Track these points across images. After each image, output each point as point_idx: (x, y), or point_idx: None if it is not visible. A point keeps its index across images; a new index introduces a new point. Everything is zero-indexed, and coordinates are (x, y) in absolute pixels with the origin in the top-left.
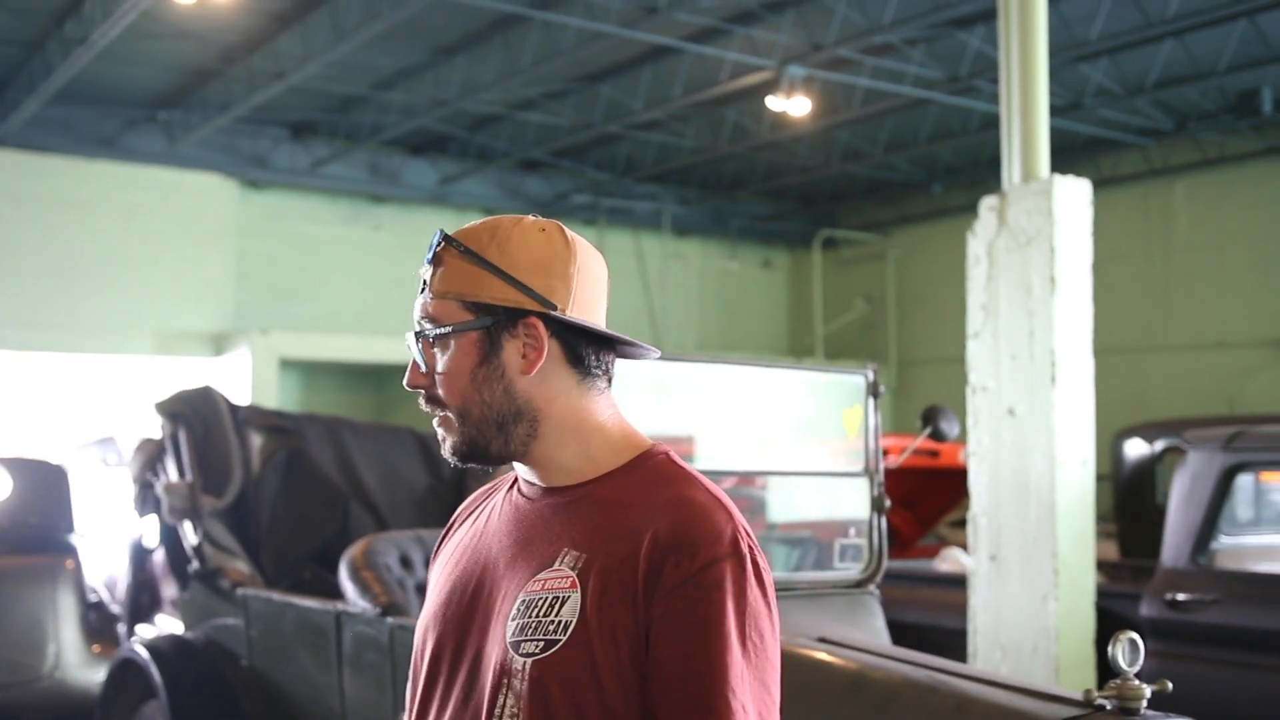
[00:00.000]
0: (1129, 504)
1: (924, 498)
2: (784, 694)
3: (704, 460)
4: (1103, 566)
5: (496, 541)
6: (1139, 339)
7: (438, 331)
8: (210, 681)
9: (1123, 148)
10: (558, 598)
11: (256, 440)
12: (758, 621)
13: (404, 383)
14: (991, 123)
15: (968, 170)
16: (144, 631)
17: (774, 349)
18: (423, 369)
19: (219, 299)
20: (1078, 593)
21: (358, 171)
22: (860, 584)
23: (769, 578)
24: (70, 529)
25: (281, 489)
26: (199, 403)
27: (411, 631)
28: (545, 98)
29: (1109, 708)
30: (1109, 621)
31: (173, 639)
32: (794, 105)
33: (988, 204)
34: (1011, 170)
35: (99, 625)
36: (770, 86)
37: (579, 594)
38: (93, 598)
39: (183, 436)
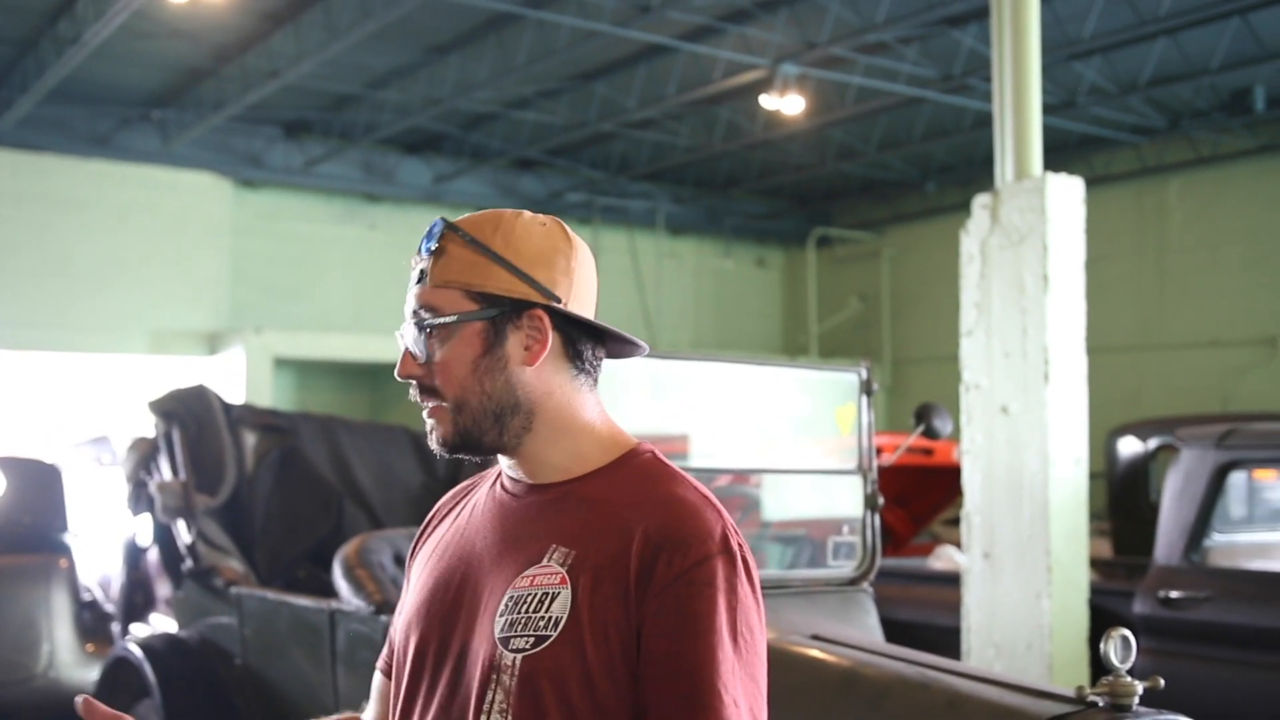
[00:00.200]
0: (1122, 502)
1: (918, 495)
2: (777, 691)
3: (698, 458)
4: (1096, 564)
5: (480, 538)
6: (1133, 337)
7: (440, 320)
8: (204, 680)
9: (1116, 146)
10: (547, 594)
11: (250, 439)
12: (748, 617)
13: (396, 372)
14: (985, 121)
15: (961, 169)
16: (138, 630)
17: (768, 347)
18: (420, 358)
19: (213, 298)
20: (1071, 590)
21: (352, 170)
22: (854, 582)
23: (757, 574)
24: (64, 528)
25: (275, 487)
26: (193, 401)
27: None
28: (539, 96)
29: (1101, 704)
30: (1102, 619)
31: (167, 638)
32: (788, 104)
33: (981, 202)
34: (1004, 168)
35: (93, 624)
36: (764, 85)
37: (569, 590)
38: (86, 597)
39: (176, 435)
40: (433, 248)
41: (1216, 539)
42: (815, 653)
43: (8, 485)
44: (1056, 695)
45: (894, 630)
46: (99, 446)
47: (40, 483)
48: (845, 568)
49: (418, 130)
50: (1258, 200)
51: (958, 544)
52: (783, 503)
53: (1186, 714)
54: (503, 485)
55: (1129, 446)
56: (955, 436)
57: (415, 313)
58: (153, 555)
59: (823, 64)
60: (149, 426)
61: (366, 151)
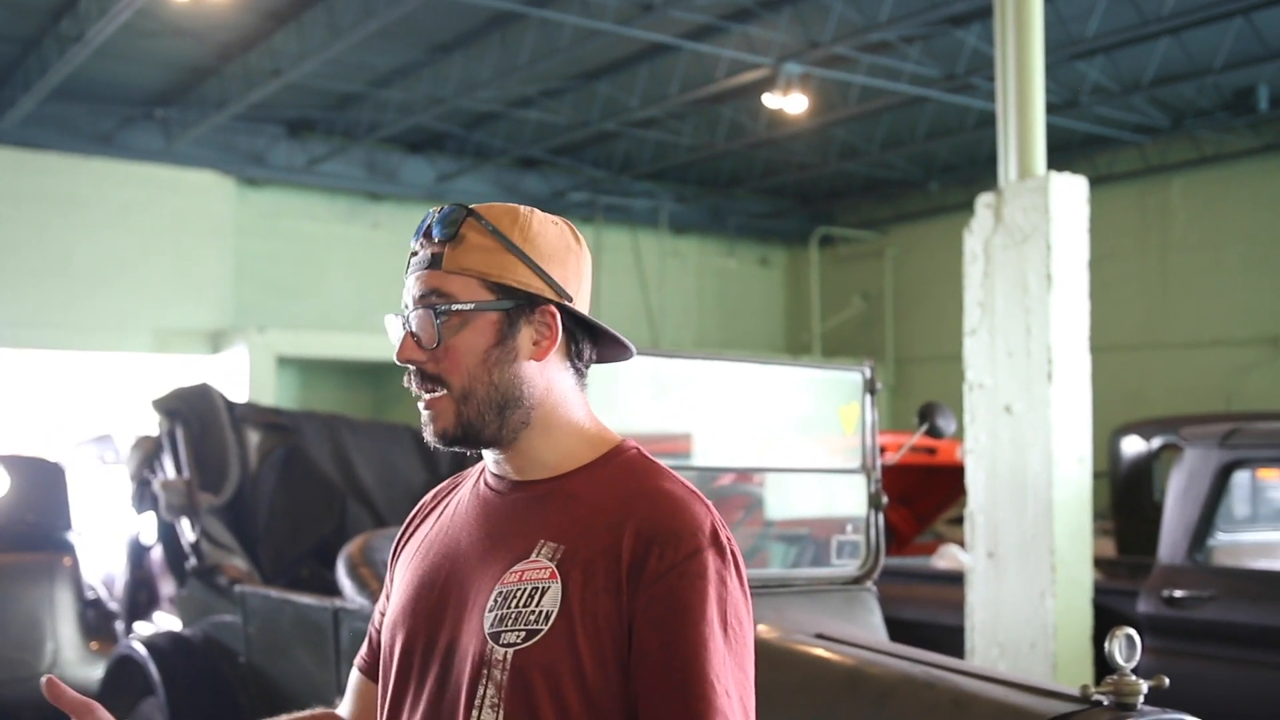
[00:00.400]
0: (1126, 501)
1: (921, 495)
2: (782, 689)
3: (702, 457)
4: (1100, 563)
5: (465, 535)
6: (1136, 336)
7: (458, 307)
8: (208, 678)
9: (1119, 145)
10: (537, 588)
11: (254, 437)
12: (737, 609)
13: (397, 356)
14: (988, 120)
15: (964, 168)
16: (142, 629)
17: (771, 346)
18: (429, 344)
19: (216, 297)
20: (1075, 589)
21: (355, 169)
22: (858, 580)
23: (744, 567)
24: (68, 526)
25: (279, 486)
26: (196, 400)
27: None
28: (542, 95)
29: (1106, 703)
30: (1106, 618)
31: (171, 636)
32: (790, 103)
33: (984, 201)
34: (1008, 167)
35: (97, 622)
36: (767, 84)
37: (559, 585)
38: (90, 595)
39: (180, 434)
40: (450, 233)
41: (1220, 538)
42: (820, 651)
43: (11, 484)
44: (1062, 694)
45: (897, 629)
46: (102, 445)
47: (44, 481)
48: (849, 566)
49: (421, 129)
50: (1261, 200)
51: (961, 543)
52: (786, 502)
53: (1190, 713)
54: (486, 483)
55: (1132, 446)
56: (959, 435)
57: (424, 296)
58: (156, 554)
59: (826, 63)
60: (153, 425)
61: (369, 150)
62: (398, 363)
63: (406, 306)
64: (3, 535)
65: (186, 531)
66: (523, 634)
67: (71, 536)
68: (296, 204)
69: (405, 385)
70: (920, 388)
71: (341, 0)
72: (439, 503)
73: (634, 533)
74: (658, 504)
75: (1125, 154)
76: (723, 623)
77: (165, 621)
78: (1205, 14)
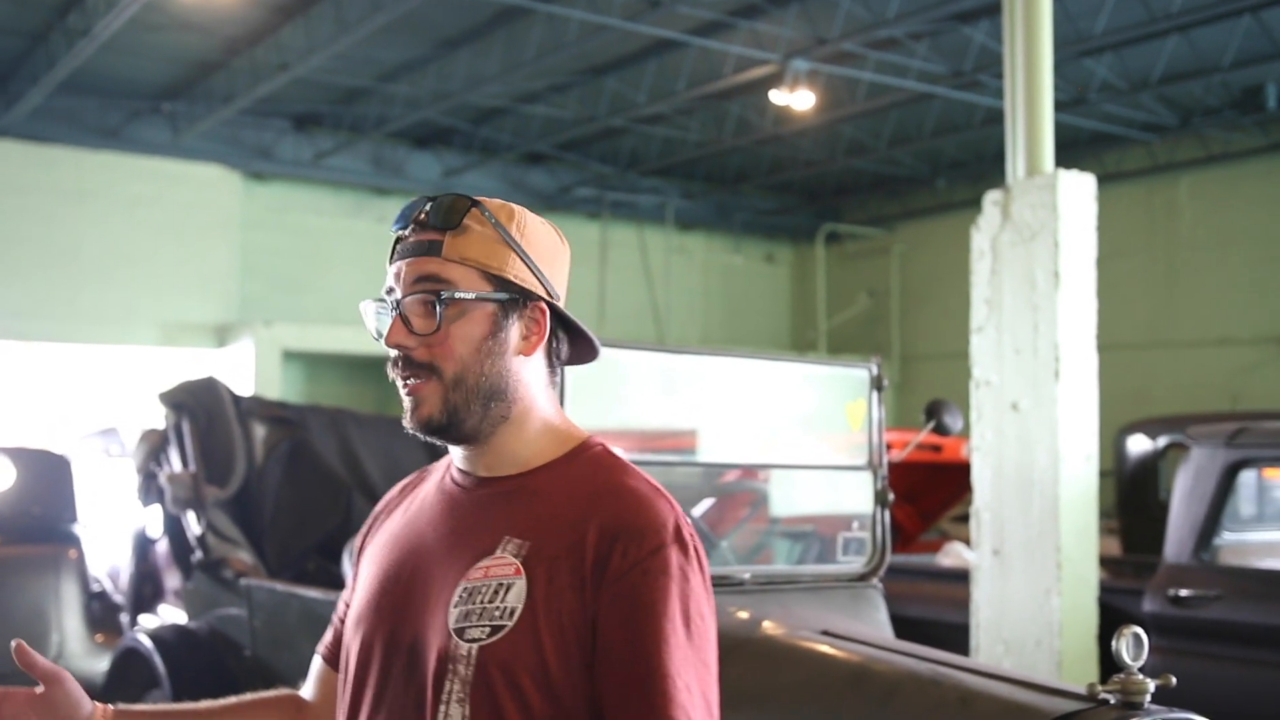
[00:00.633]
0: (1131, 500)
1: (926, 492)
2: (787, 686)
3: (707, 453)
4: (1105, 562)
5: (431, 530)
6: (1142, 335)
7: (460, 295)
8: (213, 671)
9: (1127, 143)
10: (502, 584)
11: (260, 431)
12: (699, 604)
13: (387, 340)
14: (995, 117)
15: (972, 165)
16: (147, 621)
17: (777, 343)
18: (425, 330)
19: (222, 290)
20: (1081, 587)
21: (361, 164)
22: (863, 577)
23: (706, 562)
24: (73, 519)
25: (285, 480)
26: (202, 393)
27: None
28: (549, 91)
29: (1113, 702)
30: (1111, 617)
31: (176, 629)
32: (798, 99)
33: (992, 198)
34: (1016, 165)
35: (102, 615)
36: (774, 80)
37: (524, 581)
38: (96, 588)
39: (186, 427)
40: (455, 221)
41: (1226, 537)
42: (825, 648)
43: (17, 476)
44: (1068, 692)
45: (902, 627)
46: (108, 438)
47: (50, 474)
48: (855, 564)
49: (427, 124)
50: (1268, 198)
51: (966, 541)
52: (791, 498)
53: (1196, 713)
54: (452, 478)
55: (1138, 444)
56: (965, 433)
57: (422, 281)
58: (162, 547)
59: (833, 59)
60: (159, 418)
61: (376, 145)
62: (388, 347)
63: (392, 291)
64: (8, 527)
65: (192, 525)
66: (488, 629)
67: (77, 529)
68: (303, 198)
69: (390, 370)
70: (926, 385)
71: None
72: (404, 498)
73: (598, 529)
74: (622, 500)
75: (1133, 152)
76: (685, 619)
77: (170, 614)
78: (1214, 12)
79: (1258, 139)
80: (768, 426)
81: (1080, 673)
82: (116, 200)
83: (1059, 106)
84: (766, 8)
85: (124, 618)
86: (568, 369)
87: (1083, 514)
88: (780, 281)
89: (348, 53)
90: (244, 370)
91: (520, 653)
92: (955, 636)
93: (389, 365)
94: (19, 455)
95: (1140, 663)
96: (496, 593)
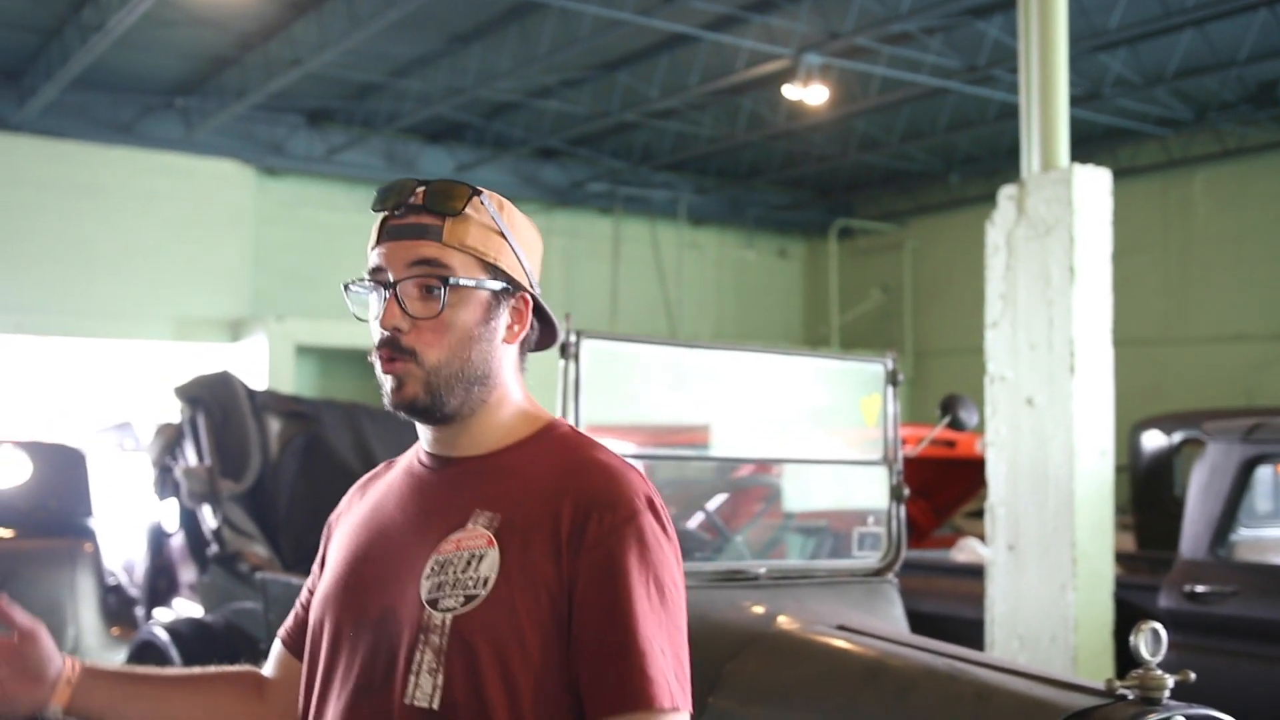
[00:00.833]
0: (1146, 496)
1: (940, 488)
2: (803, 680)
3: (720, 448)
4: (1120, 558)
5: (399, 511)
6: (1156, 331)
7: (464, 281)
8: (229, 664)
9: (1141, 138)
10: (475, 555)
11: (274, 425)
12: (671, 571)
13: (384, 321)
14: (1009, 112)
15: (985, 160)
16: (161, 615)
17: (789, 338)
18: (424, 314)
19: (235, 285)
20: (1096, 583)
21: (374, 159)
22: (879, 573)
23: (674, 531)
24: (89, 513)
25: (299, 474)
26: (218, 388)
27: None
28: (562, 85)
29: (1131, 697)
30: (1126, 613)
31: (192, 622)
32: (811, 94)
33: (1007, 193)
34: (1031, 159)
35: (118, 608)
36: (787, 75)
37: (497, 551)
38: (111, 581)
39: (201, 421)
40: (457, 208)
41: (1243, 533)
42: (841, 643)
43: (33, 470)
44: (1086, 688)
45: (916, 622)
46: (122, 432)
47: (65, 468)
48: (870, 559)
49: (440, 119)
50: None
51: (980, 536)
52: (803, 493)
53: (1212, 708)
54: (421, 461)
55: (1153, 440)
56: (979, 428)
57: (420, 265)
58: (176, 540)
59: (846, 54)
60: (174, 412)
61: (388, 140)
62: (382, 329)
63: (381, 271)
64: (25, 521)
65: (208, 518)
66: (462, 599)
67: (92, 523)
68: (315, 193)
69: (374, 352)
70: (939, 381)
71: None
72: (370, 486)
73: (573, 501)
74: (594, 473)
75: (1147, 147)
76: (658, 585)
77: (184, 608)
78: (1229, 6)
79: (1273, 134)
80: (781, 421)
81: (1095, 668)
82: (130, 195)
83: (1073, 101)
84: (780, 2)
85: (139, 611)
86: (589, 365)
87: (1098, 509)
88: (793, 277)
89: (360, 48)
90: (257, 365)
91: (495, 620)
92: (969, 632)
93: (376, 345)
94: (35, 449)
95: (1159, 658)
96: (469, 563)
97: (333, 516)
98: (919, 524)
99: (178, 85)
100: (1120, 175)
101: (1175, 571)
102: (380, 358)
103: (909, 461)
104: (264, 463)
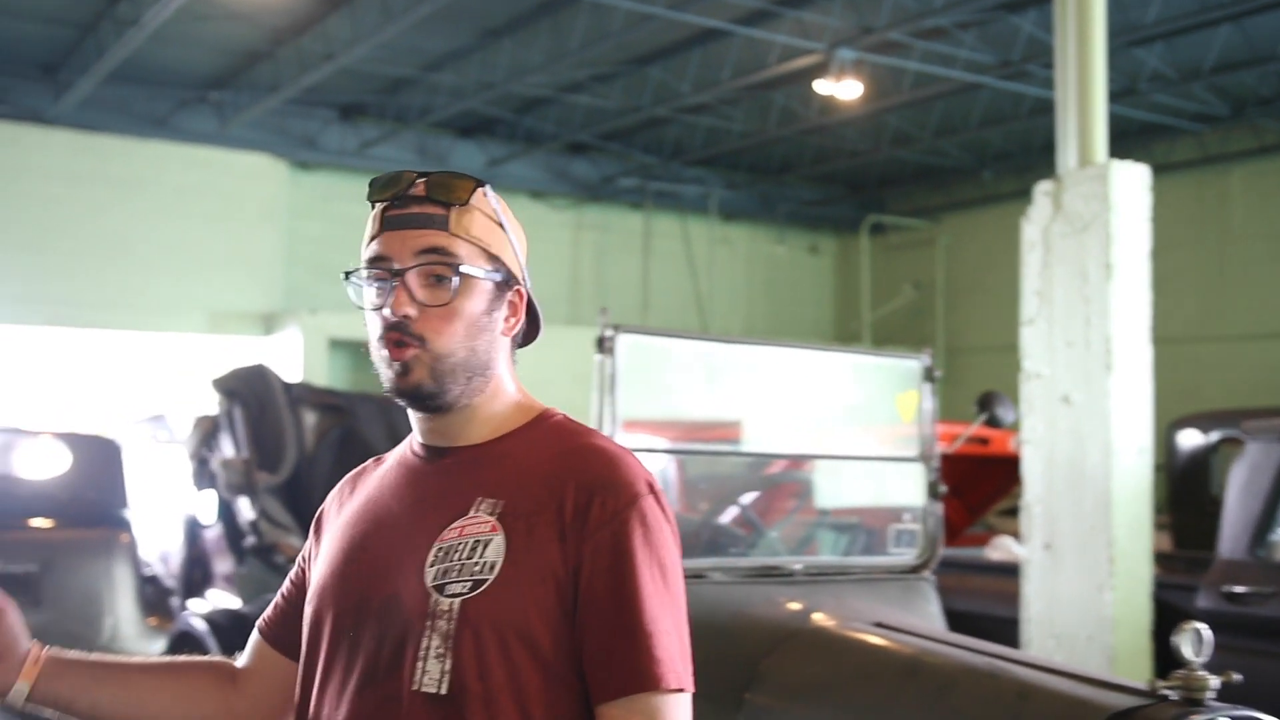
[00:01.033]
0: (1183, 495)
1: (973, 485)
2: (841, 677)
3: (752, 444)
4: (1157, 558)
5: (396, 501)
6: (1193, 329)
7: (471, 270)
8: None
9: (1178, 134)
10: (479, 541)
11: (310, 418)
12: (672, 552)
13: (395, 309)
14: (1043, 108)
15: (1019, 156)
16: (197, 605)
17: (820, 334)
18: (437, 301)
19: (268, 279)
20: (1134, 582)
21: (406, 153)
22: (916, 570)
23: (673, 514)
24: (125, 504)
25: (335, 466)
26: (254, 380)
27: None
28: (593, 80)
29: (1174, 698)
30: (1164, 613)
31: (229, 613)
32: (843, 89)
33: (1043, 189)
34: (1067, 155)
35: (154, 599)
36: (819, 70)
37: (502, 536)
38: (147, 571)
39: (238, 413)
40: (464, 199)
41: None
42: (879, 640)
43: (72, 461)
44: (1128, 688)
45: (950, 620)
46: (156, 424)
47: (102, 459)
48: (906, 556)
49: (471, 114)
50: None
51: (1014, 534)
52: (834, 490)
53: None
54: (414, 452)
55: (1190, 439)
56: (1013, 426)
57: (427, 253)
58: (211, 531)
59: (879, 49)
60: (210, 404)
61: (420, 134)
62: (393, 316)
63: (384, 260)
64: (64, 511)
65: (245, 510)
66: (469, 584)
67: (128, 514)
68: (348, 187)
69: (377, 340)
70: (971, 378)
71: None
72: (360, 479)
73: (576, 485)
74: (595, 458)
75: (1184, 143)
76: (662, 566)
77: (220, 599)
78: (1267, 0)
79: None
80: (814, 417)
81: (1133, 669)
82: (164, 189)
83: (1109, 97)
84: None
85: (174, 602)
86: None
87: (1136, 508)
88: (824, 273)
89: (393, 42)
90: (291, 358)
91: (502, 604)
92: (1003, 630)
93: (380, 335)
94: (73, 441)
95: (1203, 659)
96: (474, 549)
97: (321, 512)
98: (951, 522)
99: (212, 79)
100: (1155, 171)
101: (1214, 572)
102: (388, 342)
103: (943, 458)
104: (300, 455)
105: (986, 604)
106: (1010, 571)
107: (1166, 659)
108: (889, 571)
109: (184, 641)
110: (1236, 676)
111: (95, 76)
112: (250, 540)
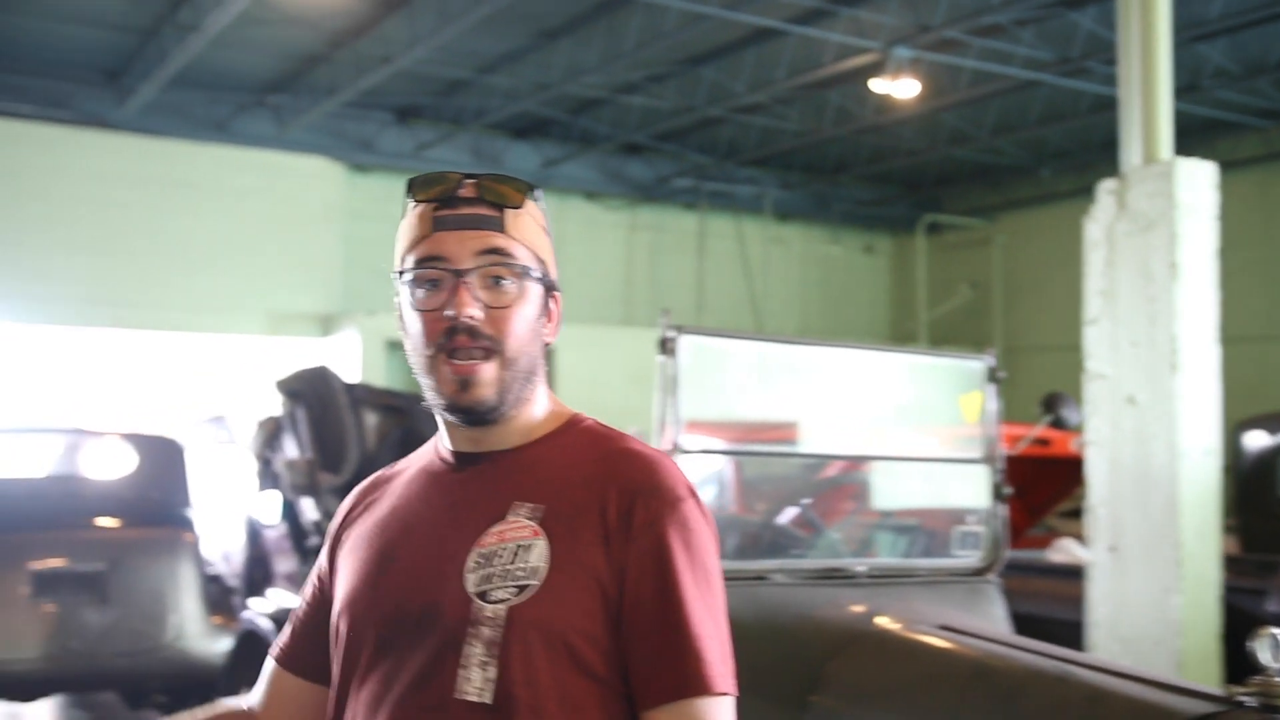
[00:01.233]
0: (1250, 498)
1: (1034, 487)
2: (908, 681)
3: (808, 444)
4: (1225, 561)
5: (426, 509)
6: (1258, 328)
7: (533, 271)
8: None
9: (1242, 130)
10: (521, 546)
11: (371, 419)
12: (714, 555)
13: (461, 311)
14: (1102, 105)
15: (1078, 154)
16: (259, 605)
17: (876, 335)
18: (502, 303)
19: (326, 280)
20: (1203, 586)
21: (461, 155)
22: (980, 572)
23: (712, 517)
24: (188, 503)
25: None
26: (317, 381)
27: None
28: (648, 81)
29: (1251, 705)
30: (1232, 618)
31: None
32: (899, 88)
33: (1106, 187)
34: (1131, 152)
35: (218, 597)
36: (875, 69)
37: (545, 541)
38: (211, 571)
39: (301, 414)
40: (518, 203)
41: None
42: (945, 643)
43: (138, 461)
44: (1202, 693)
45: (1014, 623)
46: (217, 425)
47: (166, 459)
48: (971, 558)
49: (527, 115)
50: None
51: (1076, 536)
52: (893, 491)
53: None
54: (442, 459)
55: (1256, 441)
56: (1078, 427)
57: (488, 254)
58: (272, 531)
59: (936, 47)
60: (273, 405)
61: (476, 136)
62: (460, 319)
63: (440, 260)
64: (130, 511)
65: (309, 510)
66: (514, 589)
67: (191, 514)
68: (404, 189)
69: (443, 344)
70: (1029, 378)
71: None
72: (378, 491)
73: (618, 489)
74: (634, 462)
75: (1248, 139)
76: (705, 570)
77: (281, 598)
78: None
79: None
80: (872, 418)
81: (1202, 674)
82: (223, 191)
83: (1173, 93)
84: None
85: (235, 600)
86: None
87: (1204, 510)
88: (879, 273)
89: (449, 44)
90: (349, 359)
91: (549, 609)
92: (1066, 634)
93: (438, 337)
94: (138, 441)
95: None
96: (517, 554)
97: (334, 526)
98: (1013, 523)
99: (270, 83)
100: (1221, 168)
101: None
102: (458, 346)
103: (1005, 460)
104: (362, 455)
105: (1049, 607)
106: (1073, 574)
107: (1237, 665)
108: (954, 574)
109: (249, 640)
110: None
111: (157, 82)
112: (314, 540)
